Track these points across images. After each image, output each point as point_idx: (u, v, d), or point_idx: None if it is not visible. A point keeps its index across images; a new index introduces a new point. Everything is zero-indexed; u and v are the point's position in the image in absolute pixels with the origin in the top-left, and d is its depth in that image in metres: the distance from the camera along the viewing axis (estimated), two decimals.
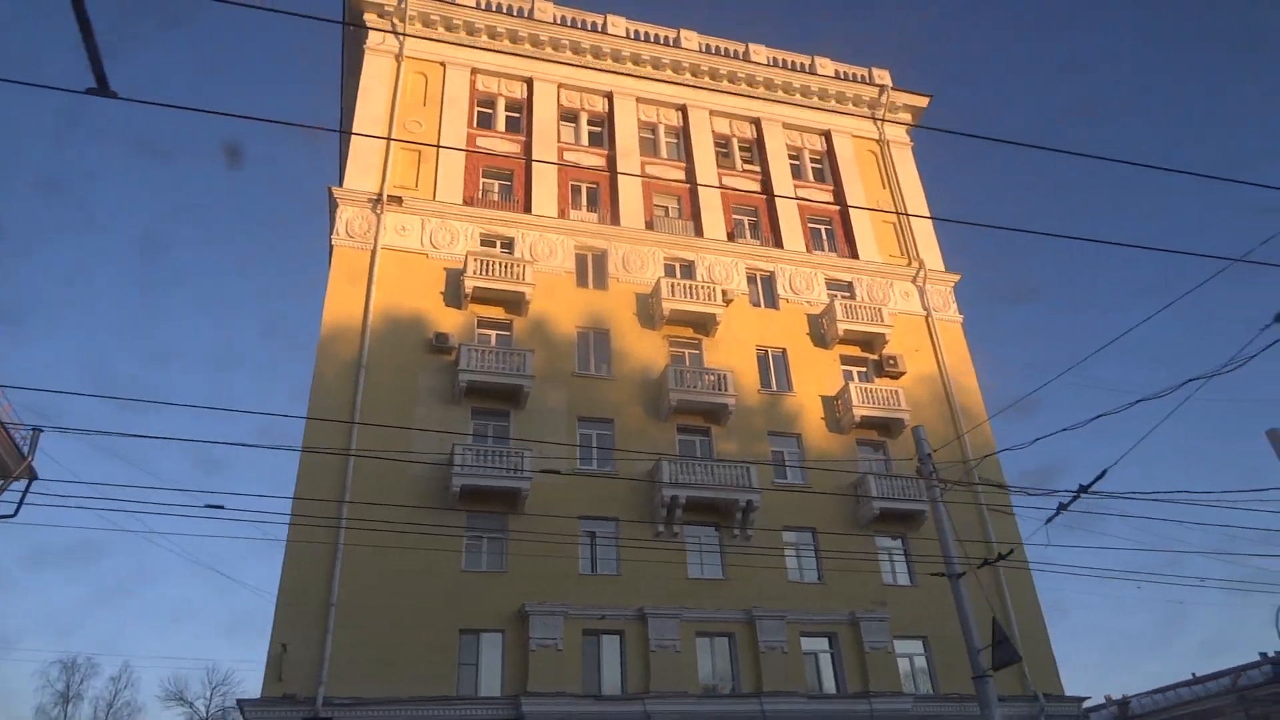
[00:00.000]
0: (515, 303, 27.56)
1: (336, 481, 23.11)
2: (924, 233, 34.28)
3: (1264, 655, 35.74)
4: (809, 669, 24.88)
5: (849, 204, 34.00)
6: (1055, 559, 53.64)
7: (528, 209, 30.00)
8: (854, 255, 33.04)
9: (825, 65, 37.44)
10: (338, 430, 24.07)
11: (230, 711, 50.50)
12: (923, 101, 37.10)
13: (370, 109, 30.20)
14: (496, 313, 27.60)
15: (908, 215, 34.22)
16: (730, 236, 32.05)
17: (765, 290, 31.34)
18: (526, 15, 33.82)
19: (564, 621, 23.03)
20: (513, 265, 27.68)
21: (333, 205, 27.93)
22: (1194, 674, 39.19)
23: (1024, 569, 27.30)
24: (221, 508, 14.72)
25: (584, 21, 34.86)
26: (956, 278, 33.35)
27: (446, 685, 21.83)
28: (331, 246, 27.22)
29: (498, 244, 29.21)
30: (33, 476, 32.79)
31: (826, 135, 36.11)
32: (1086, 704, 27.99)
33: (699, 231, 31.50)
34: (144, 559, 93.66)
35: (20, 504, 31.65)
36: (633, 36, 35.04)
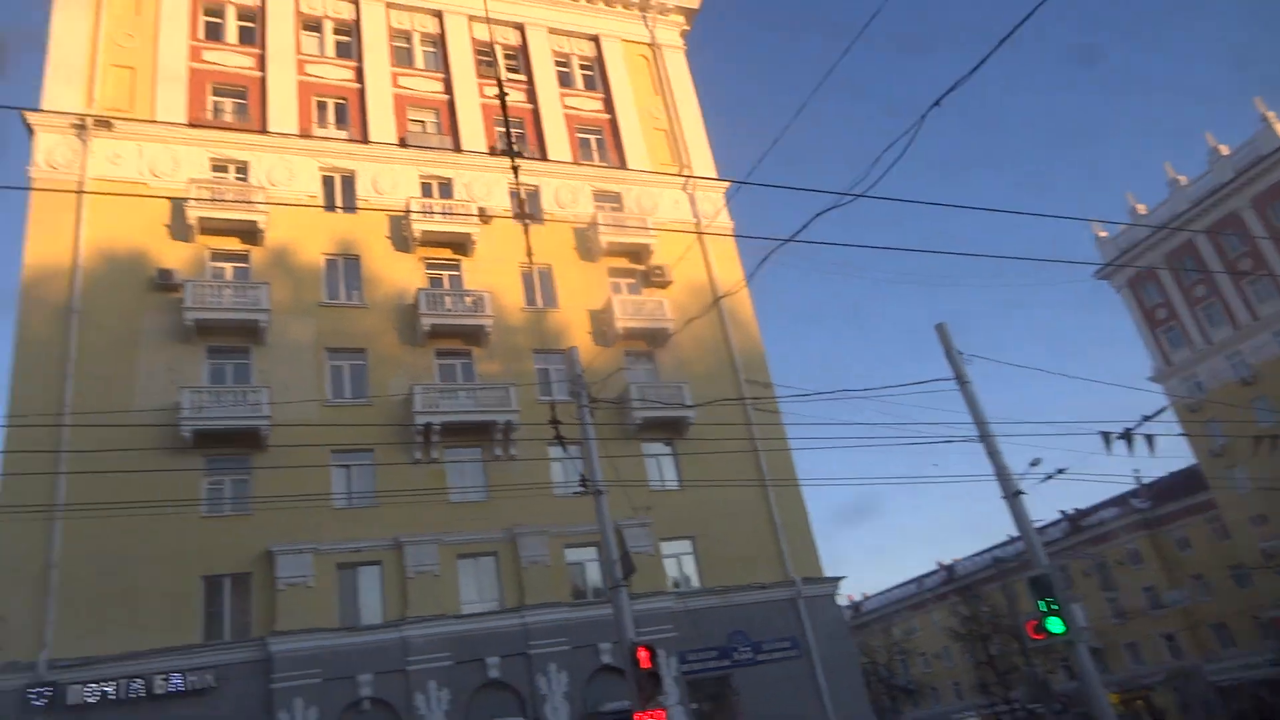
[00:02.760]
0: (250, 232, 25.92)
1: (49, 437, 21.43)
2: (696, 140, 34.29)
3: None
4: (576, 579, 25.52)
5: (617, 113, 33.50)
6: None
7: (264, 128, 27.98)
8: (622, 164, 32.74)
9: None
10: (49, 384, 22.32)
11: None
12: (694, 3, 36.57)
13: (70, 17, 27.05)
14: (231, 244, 25.91)
15: (679, 124, 34.09)
16: (492, 151, 31.06)
17: (530, 205, 30.72)
18: None
19: (314, 558, 22.59)
20: (245, 191, 25.93)
21: (30, 133, 25.15)
22: None
23: (785, 455, 28.80)
24: None
25: None
26: (726, 184, 33.66)
27: (190, 633, 21.18)
28: (30, 180, 24.62)
29: (231, 169, 27.22)
30: None
31: (595, 40, 35.17)
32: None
33: (458, 146, 30.37)
34: None
35: None
36: None
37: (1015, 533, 26.37)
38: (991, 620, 60.30)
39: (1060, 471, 17.69)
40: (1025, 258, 39.84)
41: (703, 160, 33.93)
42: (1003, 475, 16.39)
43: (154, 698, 19.77)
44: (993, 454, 16.64)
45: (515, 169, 17.72)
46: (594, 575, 25.66)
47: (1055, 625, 14.05)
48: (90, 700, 19.14)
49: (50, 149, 25.03)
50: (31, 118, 25.03)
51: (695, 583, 26.74)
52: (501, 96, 17.45)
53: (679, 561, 27.07)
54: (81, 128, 25.40)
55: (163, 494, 21.36)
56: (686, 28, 36.67)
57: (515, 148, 31.63)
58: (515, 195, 30.44)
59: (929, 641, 77.88)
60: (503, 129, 32.09)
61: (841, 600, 36.02)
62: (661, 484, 27.70)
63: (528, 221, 29.11)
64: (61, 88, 25.99)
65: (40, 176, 24.61)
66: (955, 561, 79.72)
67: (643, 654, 14.25)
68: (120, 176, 25.47)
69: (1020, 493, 16.41)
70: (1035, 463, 17.36)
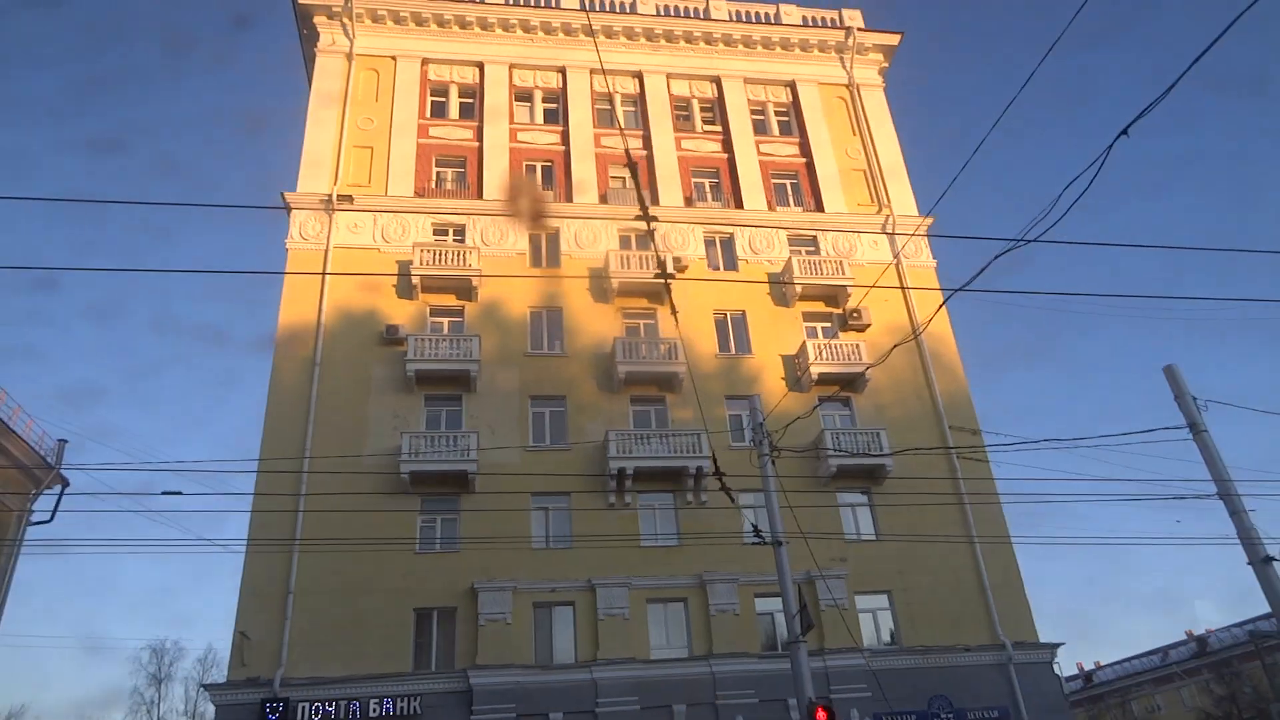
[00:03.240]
0: (464, 289, 28.21)
1: (293, 477, 24.31)
2: (895, 177, 33.33)
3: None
4: (765, 630, 25.12)
5: (814, 156, 33.29)
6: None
7: (480, 194, 30.49)
8: (819, 208, 32.41)
9: (791, 12, 36.51)
10: (294, 429, 25.36)
11: None
12: (893, 40, 35.81)
13: (322, 111, 31.06)
14: (448, 300, 28.33)
15: (878, 163, 33.32)
16: (688, 201, 31.88)
17: (725, 253, 31.15)
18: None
19: (513, 596, 23.86)
20: (460, 253, 28.29)
21: (287, 211, 29.00)
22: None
23: (995, 508, 26.92)
24: (179, 493, 16.12)
25: None
26: (929, 221, 32.33)
27: (401, 662, 22.98)
28: (286, 250, 28.34)
29: (450, 233, 29.86)
30: (64, 484, 35.40)
31: (791, 86, 35.28)
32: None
33: (655, 200, 31.42)
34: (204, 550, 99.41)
35: (55, 510, 34.24)
36: (585, 6, 34.87)
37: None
38: (1255, 703, 52.11)
39: None
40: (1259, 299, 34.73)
41: (903, 198, 32.89)
42: (1248, 538, 14.41)
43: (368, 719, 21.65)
44: (1235, 514, 14.69)
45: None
46: (783, 625, 25.11)
47: None
48: (314, 717, 21.26)
49: (303, 223, 28.73)
50: (290, 198, 28.87)
51: (893, 640, 25.47)
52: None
53: (874, 617, 25.90)
54: (328, 204, 28.94)
55: (383, 531, 23.57)
56: (885, 65, 35.90)
57: (712, 197, 32.34)
58: (711, 243, 31.07)
59: None
60: (699, 180, 32.92)
61: (1068, 669, 32.65)
62: (857, 535, 26.76)
63: (717, 272, 29.61)
64: (313, 170, 29.81)
65: (294, 247, 28.29)
66: (1209, 632, 69.60)
67: (821, 715, 13.68)
68: (357, 244, 28.71)
69: (1272, 559, 14.34)
70: None
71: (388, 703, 21.93)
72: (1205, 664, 63.81)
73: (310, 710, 21.37)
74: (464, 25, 33.55)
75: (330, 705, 21.56)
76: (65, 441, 33.57)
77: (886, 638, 25.60)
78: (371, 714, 21.67)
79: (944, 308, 30.97)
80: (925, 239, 32.10)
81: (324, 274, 27.40)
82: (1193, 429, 15.56)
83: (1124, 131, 7.30)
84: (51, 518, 33.85)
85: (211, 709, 22.70)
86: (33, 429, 32.58)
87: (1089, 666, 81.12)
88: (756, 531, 15.57)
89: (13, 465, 31.19)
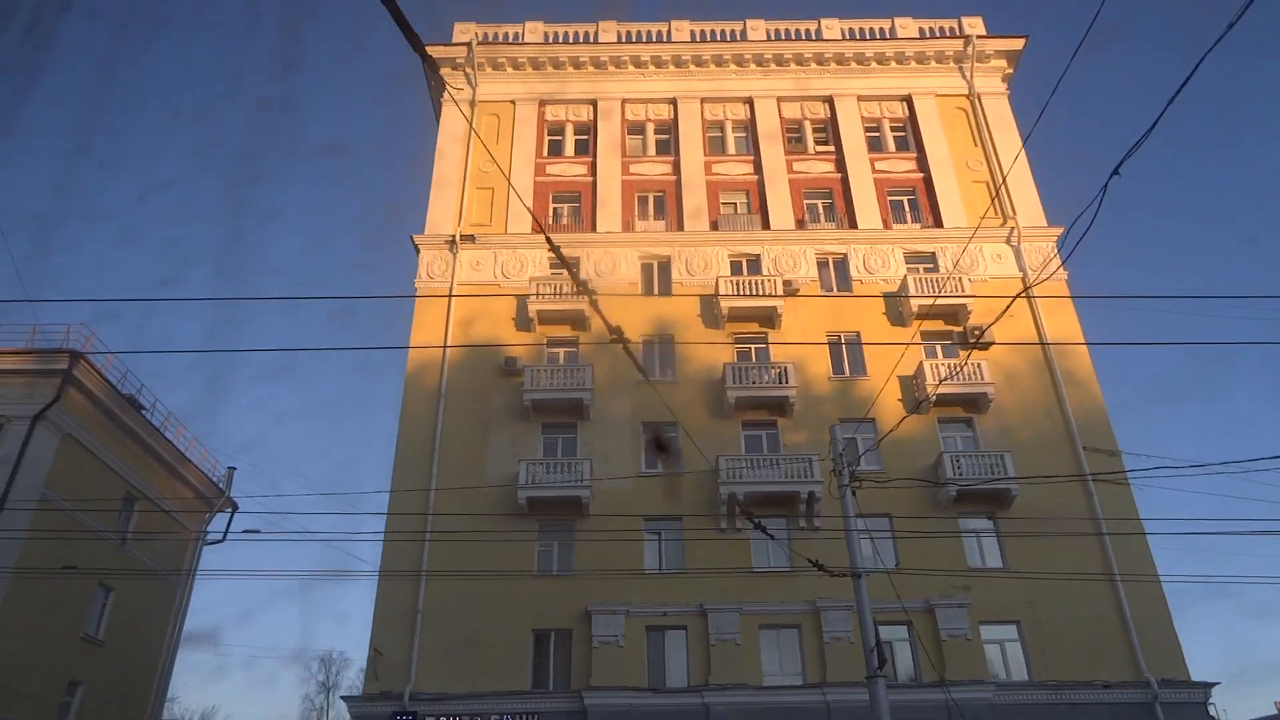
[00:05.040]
0: (579, 320, 29.21)
1: (420, 502, 25.86)
2: (1022, 186, 31.95)
3: None
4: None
5: (931, 170, 32.43)
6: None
7: (594, 227, 31.52)
8: (938, 223, 31.51)
9: (907, 25, 35.80)
10: (422, 458, 26.98)
11: None
12: (1017, 44, 34.41)
13: (448, 157, 33.04)
14: (563, 331, 29.39)
15: (1003, 174, 32.06)
16: (800, 224, 31.74)
17: (838, 274, 30.79)
18: (589, 40, 35.34)
19: (625, 619, 24.38)
20: (574, 286, 29.34)
21: (416, 251, 30.99)
22: None
23: (1137, 533, 25.19)
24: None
25: (647, 33, 35.78)
26: (1058, 231, 30.82)
27: (520, 680, 23.92)
28: (415, 289, 30.26)
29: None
30: (234, 508, 38.97)
31: (908, 100, 34.54)
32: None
33: (766, 224, 31.51)
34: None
35: (226, 531, 37.63)
36: (696, 38, 35.49)
37: None
38: None
39: None
40: None
41: (1030, 209, 31.47)
42: None
43: None
44: None
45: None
46: (903, 656, 24.45)
47: None
48: None
49: (430, 262, 30.62)
50: (418, 239, 30.86)
51: (1022, 675, 24.22)
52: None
53: (1002, 649, 24.74)
54: (452, 244, 30.73)
55: (504, 555, 24.65)
56: (1009, 71, 34.54)
57: (825, 218, 32.10)
58: (824, 264, 30.82)
59: None
60: (810, 201, 32.74)
61: (1267, 708, 29.89)
62: (982, 563, 25.69)
63: (832, 293, 29.31)
64: (440, 212, 31.76)
65: (422, 286, 30.18)
66: None
67: None
68: (479, 280, 30.31)
69: None
70: None
71: (507, 718, 22.88)
72: None
73: None
74: (578, 66, 34.89)
75: (453, 719, 22.72)
76: (234, 469, 37.05)
77: (1017, 671, 24.38)
78: None
79: (1075, 318, 29.50)
80: (1055, 250, 30.58)
81: (450, 298, 29.06)
82: None
83: (1115, 171, 7.06)
84: (224, 537, 37.57)
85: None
86: (206, 458, 36.21)
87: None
88: (818, 565, 15.34)
89: (192, 492, 34.69)
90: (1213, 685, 23.99)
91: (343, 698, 25.14)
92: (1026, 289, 26.53)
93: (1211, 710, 23.93)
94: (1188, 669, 24.02)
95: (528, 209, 30.63)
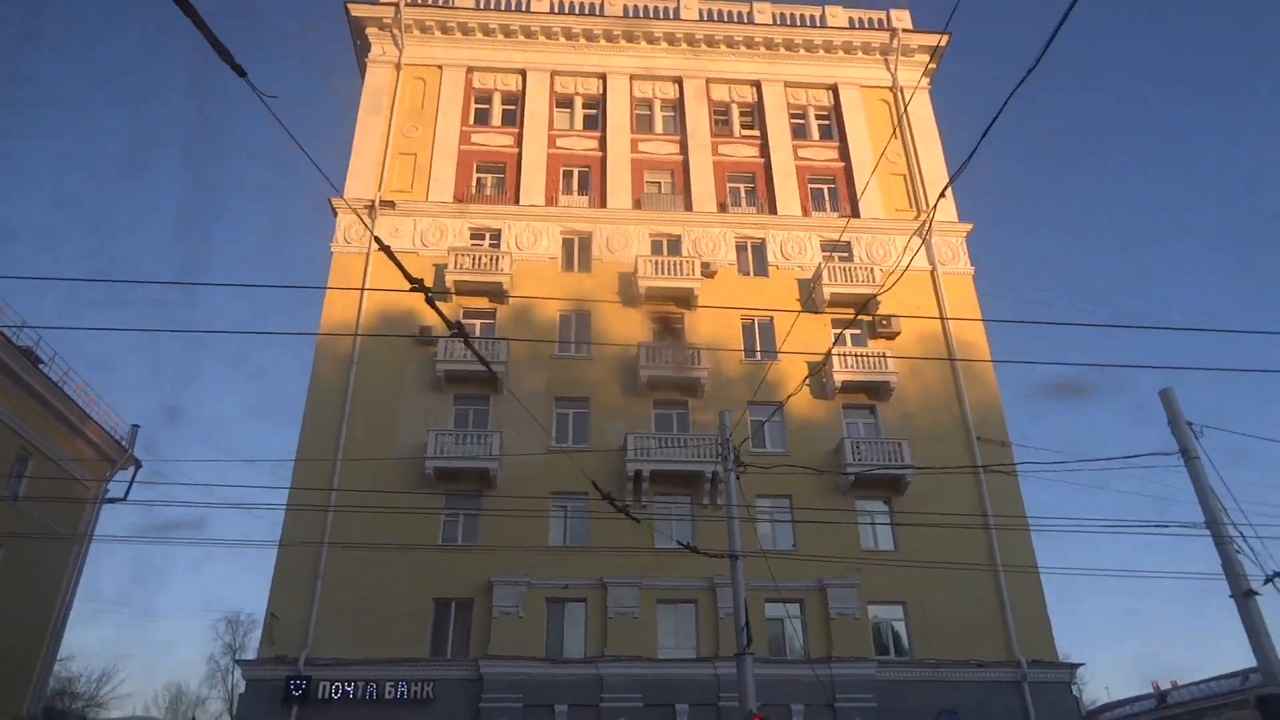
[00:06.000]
0: (496, 292, 29.19)
1: (326, 470, 25.73)
2: (936, 182, 32.85)
3: None
4: (774, 635, 25.38)
5: (852, 160, 33.12)
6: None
7: (517, 200, 31.42)
8: (855, 213, 32.20)
9: (837, 14, 36.28)
10: (330, 423, 26.79)
11: None
12: (940, 40, 35.11)
13: (370, 118, 32.46)
14: (480, 303, 29.36)
15: (919, 167, 32.92)
16: (722, 207, 32.14)
17: (756, 258, 31.32)
18: (521, 8, 34.94)
19: (526, 590, 24.76)
20: (493, 257, 29.28)
21: (334, 215, 30.49)
22: None
23: (1022, 529, 26.46)
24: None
25: (579, 5, 35.53)
26: (968, 228, 31.84)
27: (419, 648, 24.14)
28: (331, 253, 29.82)
29: (486, 237, 30.90)
30: (138, 465, 38.02)
31: (834, 89, 35.09)
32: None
33: (689, 205, 31.82)
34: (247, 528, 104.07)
35: (129, 490, 36.75)
36: (629, 14, 35.37)
37: None
38: None
39: None
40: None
41: (943, 203, 32.32)
42: (1231, 571, 14.12)
43: (383, 701, 22.86)
44: (1220, 543, 14.42)
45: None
46: (793, 632, 25.37)
47: None
48: (334, 697, 22.62)
49: (347, 227, 30.18)
50: (337, 203, 30.35)
51: (906, 652, 25.39)
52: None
53: (890, 628, 25.88)
54: (371, 209, 30.32)
55: (409, 524, 24.72)
56: (932, 66, 35.33)
57: (746, 203, 32.54)
58: (743, 248, 31.30)
59: None
60: (734, 185, 33.13)
61: (1144, 688, 31.57)
62: (875, 545, 26.73)
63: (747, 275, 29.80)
64: (359, 177, 31.22)
65: (338, 250, 29.77)
66: None
67: None
68: (397, 247, 29.91)
69: (1253, 593, 14.05)
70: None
71: (403, 686, 23.12)
72: None
73: (330, 689, 22.74)
74: (508, 33, 34.51)
75: (350, 685, 22.88)
76: (138, 426, 36.18)
77: (900, 650, 25.53)
78: (387, 696, 22.90)
79: (979, 312, 30.56)
80: (963, 245, 31.61)
81: (363, 290, 28.76)
82: (1184, 455, 15.27)
83: (942, 194, 7.53)
84: (125, 496, 36.69)
85: None
86: (108, 414, 35.26)
87: (1165, 686, 77.74)
88: (691, 548, 15.96)
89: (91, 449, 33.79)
90: (1077, 666, 25.60)
91: (236, 661, 25.05)
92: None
93: (1075, 690, 25.49)
94: (1056, 652, 25.50)
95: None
